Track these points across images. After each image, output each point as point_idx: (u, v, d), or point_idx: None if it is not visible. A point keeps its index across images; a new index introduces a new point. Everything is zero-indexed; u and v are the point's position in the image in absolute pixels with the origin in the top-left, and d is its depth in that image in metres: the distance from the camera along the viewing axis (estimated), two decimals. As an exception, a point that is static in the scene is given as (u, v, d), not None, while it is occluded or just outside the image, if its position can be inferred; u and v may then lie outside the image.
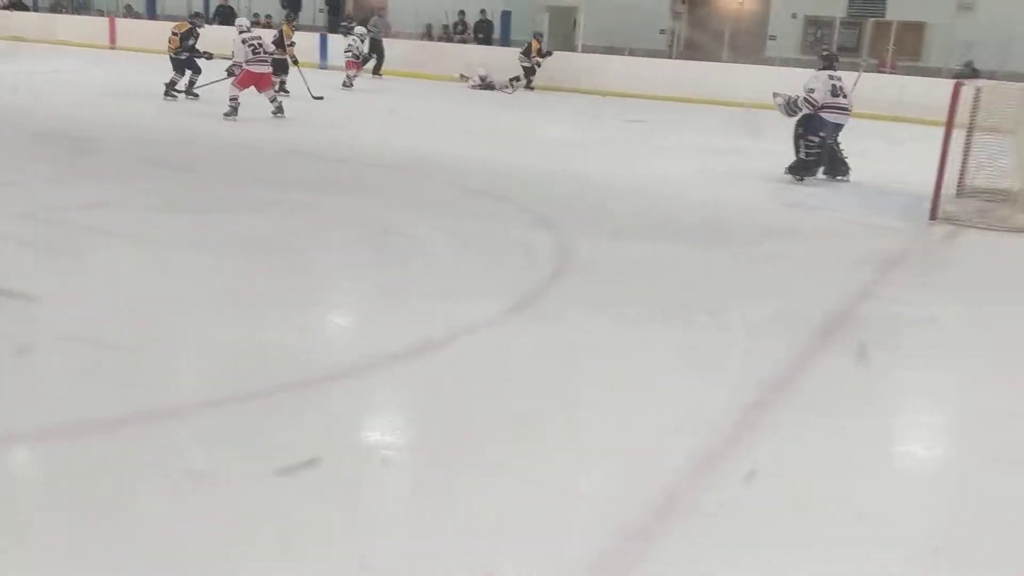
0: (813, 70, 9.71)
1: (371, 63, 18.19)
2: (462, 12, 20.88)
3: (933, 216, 7.44)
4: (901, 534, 2.78)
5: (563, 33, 19.58)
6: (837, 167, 9.11)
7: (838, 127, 8.87)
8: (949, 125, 7.55)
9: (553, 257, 5.89)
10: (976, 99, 7.75)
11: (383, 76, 18.31)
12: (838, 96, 8.76)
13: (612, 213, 7.44)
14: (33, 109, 11.35)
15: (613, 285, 5.36)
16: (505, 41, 20.50)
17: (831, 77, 8.84)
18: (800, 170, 8.94)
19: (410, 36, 20.90)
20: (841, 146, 9.15)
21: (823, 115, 8.75)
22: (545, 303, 4.94)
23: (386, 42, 18.75)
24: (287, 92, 13.37)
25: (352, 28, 17.61)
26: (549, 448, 3.25)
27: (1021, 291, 5.95)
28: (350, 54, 16.62)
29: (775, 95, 9.09)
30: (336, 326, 4.76)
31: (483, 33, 20.55)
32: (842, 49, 17.86)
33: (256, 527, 2.62)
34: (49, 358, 3.87)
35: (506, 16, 21.06)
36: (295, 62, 13.70)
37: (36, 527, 2.60)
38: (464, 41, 20.27)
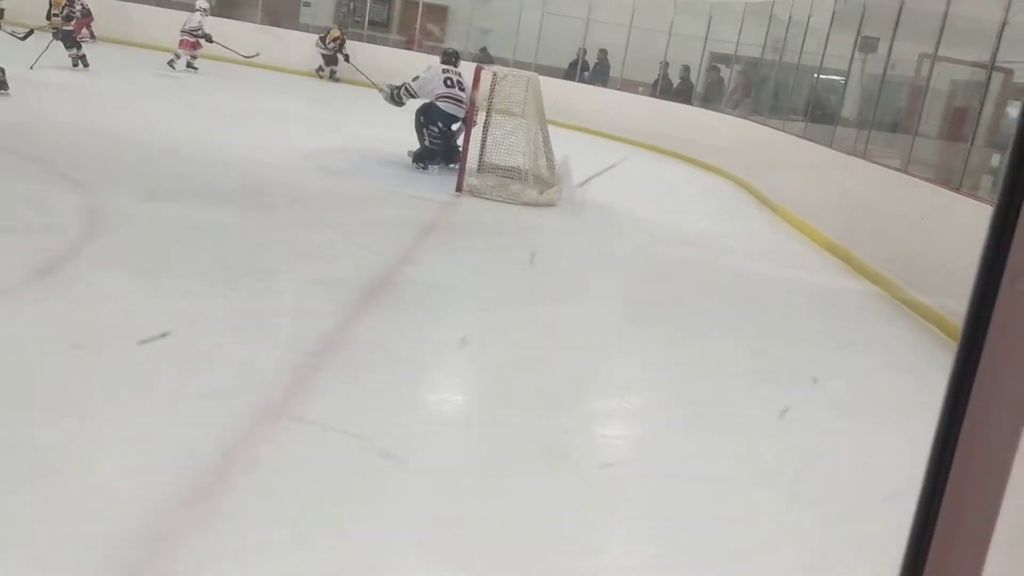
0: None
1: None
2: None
3: (459, 189, 8.14)
4: (425, 468, 3.10)
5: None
6: (452, 155, 9.09)
7: (452, 117, 8.95)
8: (471, 105, 8.29)
9: (81, 219, 5.47)
10: (493, 83, 8.60)
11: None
12: (453, 88, 8.90)
13: (150, 174, 7.08)
14: None
15: (152, 250, 5.14)
16: None
17: (445, 71, 8.99)
18: (424, 158, 9.03)
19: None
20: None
21: (440, 105, 8.87)
22: (74, 267, 4.59)
23: None
24: None
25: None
26: (89, 426, 3.08)
27: (519, 255, 6.78)
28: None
29: (380, 88, 9.31)
30: None
31: None
32: (373, 24, 18.62)
33: None
34: None
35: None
36: None
37: None
38: None
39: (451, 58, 9.34)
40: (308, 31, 17.74)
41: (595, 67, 16.85)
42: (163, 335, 3.70)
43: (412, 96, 9.00)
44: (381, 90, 9.29)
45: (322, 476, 2.91)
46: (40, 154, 6.91)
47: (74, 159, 7.00)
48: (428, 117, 8.99)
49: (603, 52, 16.69)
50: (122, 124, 8.97)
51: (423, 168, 9.03)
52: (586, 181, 8.48)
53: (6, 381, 3.24)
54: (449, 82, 8.99)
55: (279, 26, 17.12)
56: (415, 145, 9.09)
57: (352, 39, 17.21)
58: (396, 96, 9.12)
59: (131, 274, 4.64)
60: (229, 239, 5.67)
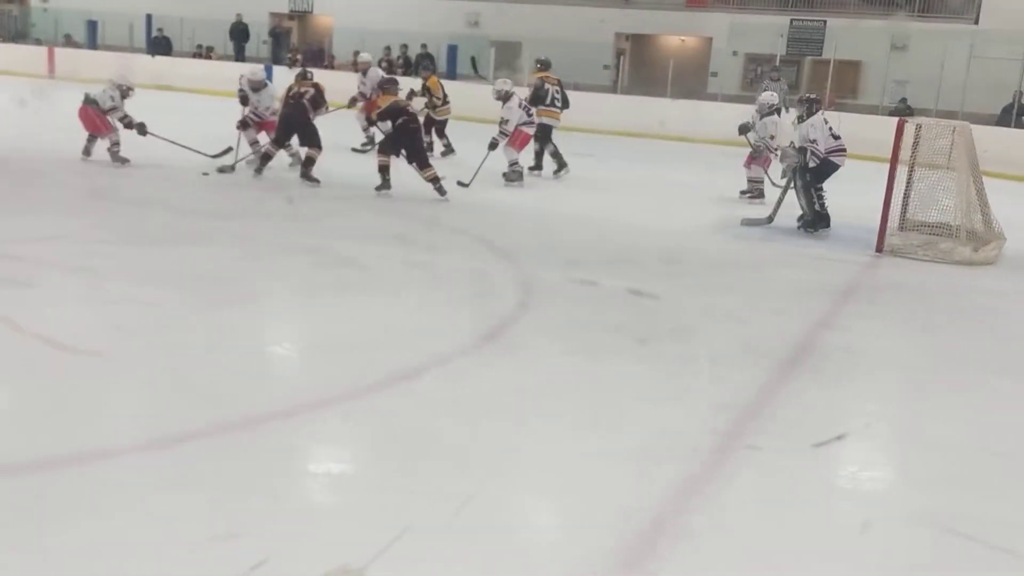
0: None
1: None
2: (405, 46, 20.97)
3: (879, 249, 7.66)
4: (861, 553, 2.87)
5: (508, 67, 19.80)
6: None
7: (837, 168, 8.40)
8: (894, 160, 7.80)
9: (515, 288, 5.96)
10: (916, 135, 8.03)
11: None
12: (839, 138, 8.40)
13: (569, 243, 7.53)
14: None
15: (574, 315, 5.44)
16: (452, 75, 20.63)
17: (826, 121, 8.41)
18: (818, 223, 8.40)
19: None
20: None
21: (833, 159, 8.32)
22: (511, 333, 4.99)
23: (326, 75, 15.18)
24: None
25: (294, 60, 16.91)
26: (529, 479, 3.28)
27: (965, 319, 6.16)
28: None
29: (783, 156, 8.68)
30: (296, 359, 4.73)
31: (426, 67, 20.61)
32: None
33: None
34: None
35: (452, 50, 21.21)
36: None
37: None
38: (407, 75, 20.31)
39: (817, 105, 8.58)
40: (716, 100, 17.96)
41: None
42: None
43: (818, 158, 8.27)
44: (785, 160, 8.63)
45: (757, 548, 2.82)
46: (474, 229, 7.65)
47: (504, 233, 7.64)
48: (819, 176, 8.35)
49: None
50: (532, 199, 9.63)
51: (812, 232, 8.37)
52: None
53: (464, 435, 3.57)
54: (833, 132, 8.37)
55: (690, 98, 17.46)
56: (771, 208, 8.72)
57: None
58: (794, 163, 8.39)
59: (560, 339, 4.94)
60: (645, 305, 5.83)
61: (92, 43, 23.82)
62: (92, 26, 23.84)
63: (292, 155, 9.99)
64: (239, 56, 21.65)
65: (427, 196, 8.80)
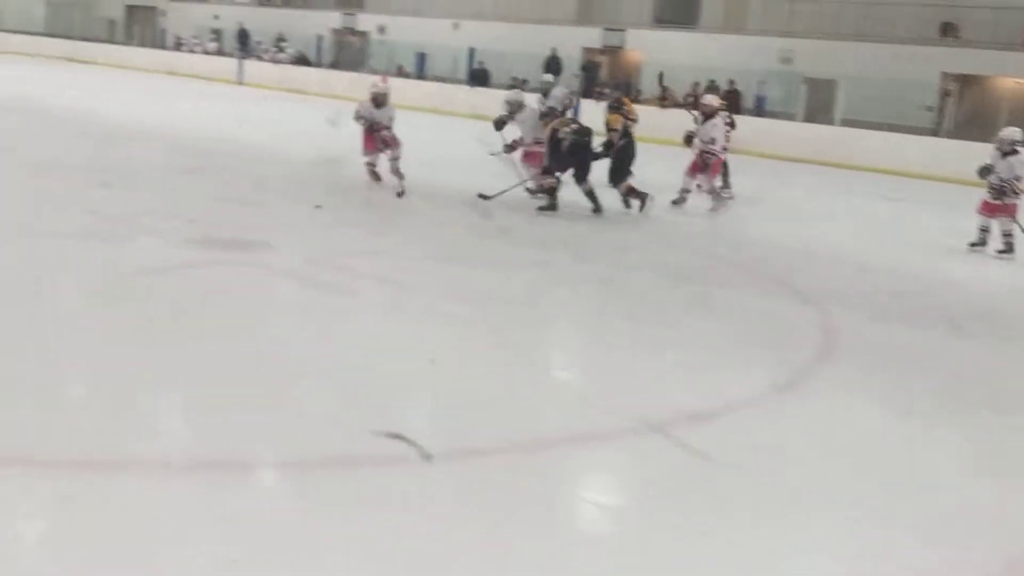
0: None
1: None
2: (713, 81, 20.80)
3: None
4: None
5: (821, 105, 19.06)
6: None
7: None
8: None
9: (815, 336, 5.67)
10: None
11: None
12: None
13: (873, 292, 7.07)
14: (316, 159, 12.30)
15: (883, 372, 5.08)
16: (760, 112, 20.18)
17: None
18: None
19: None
20: None
21: None
22: (810, 385, 4.75)
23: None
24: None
25: (602, 94, 17.19)
26: (822, 541, 3.09)
27: None
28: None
29: None
30: (582, 387, 4.77)
31: (731, 103, 20.31)
32: None
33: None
34: (304, 391, 4.14)
35: (762, 87, 20.77)
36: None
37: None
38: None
39: None
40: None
41: None
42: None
43: None
44: None
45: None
46: (767, 266, 7.39)
47: (802, 274, 7.31)
48: None
49: None
50: (836, 236, 9.12)
51: None
52: None
53: (745, 484, 3.44)
54: None
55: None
56: None
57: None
58: None
59: (865, 394, 4.63)
60: (956, 363, 5.36)
61: (420, 73, 25.80)
62: (421, 58, 25.86)
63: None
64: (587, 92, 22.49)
65: (715, 231, 8.65)
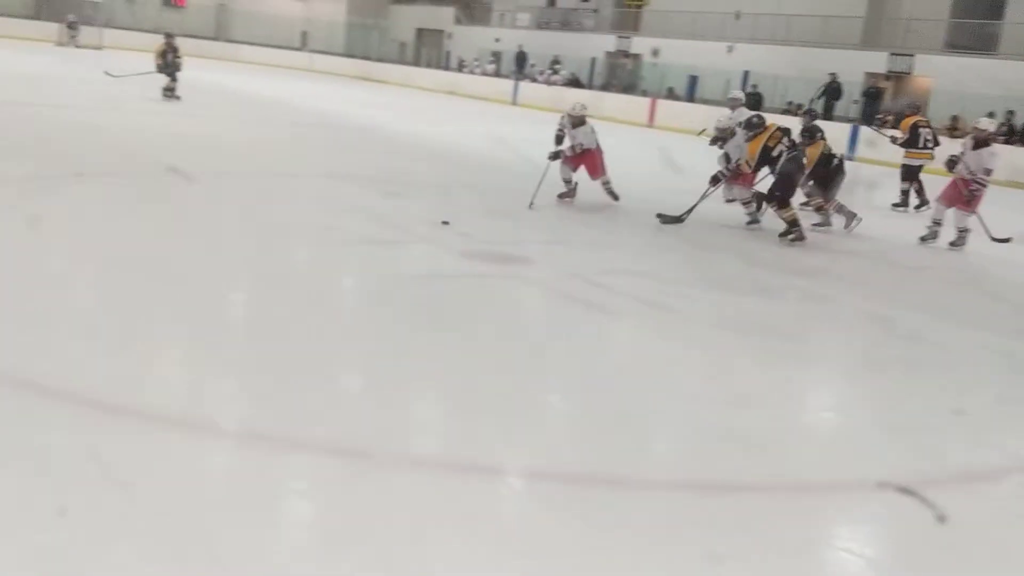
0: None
1: None
2: (1011, 112, 19.07)
3: None
4: None
5: None
6: None
7: None
8: None
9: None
10: None
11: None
12: None
13: None
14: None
15: None
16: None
17: None
18: None
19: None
20: None
21: None
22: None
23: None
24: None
25: (884, 121, 16.34)
26: None
27: None
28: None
29: None
30: (850, 431, 4.49)
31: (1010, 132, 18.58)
32: None
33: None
34: (557, 404, 4.16)
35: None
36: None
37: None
38: (1009, 142, 18.43)
39: None
40: None
41: None
42: None
43: None
44: None
45: None
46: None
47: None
48: None
49: None
50: None
51: None
52: None
53: None
54: None
55: None
56: None
57: None
58: None
59: None
60: None
61: (690, 96, 25.64)
62: (693, 80, 25.67)
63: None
64: (828, 114, 21.57)
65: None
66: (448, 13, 37.62)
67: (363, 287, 6.08)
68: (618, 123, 23.92)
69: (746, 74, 23.77)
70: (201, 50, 33.20)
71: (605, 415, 4.02)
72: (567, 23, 33.78)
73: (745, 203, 9.39)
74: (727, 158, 9.34)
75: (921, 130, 11.77)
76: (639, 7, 31.55)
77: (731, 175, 9.23)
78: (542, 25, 34.38)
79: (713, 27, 27.68)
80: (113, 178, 8.66)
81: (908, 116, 12.21)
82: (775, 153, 8.77)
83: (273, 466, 3.25)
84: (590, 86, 28.66)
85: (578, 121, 9.78)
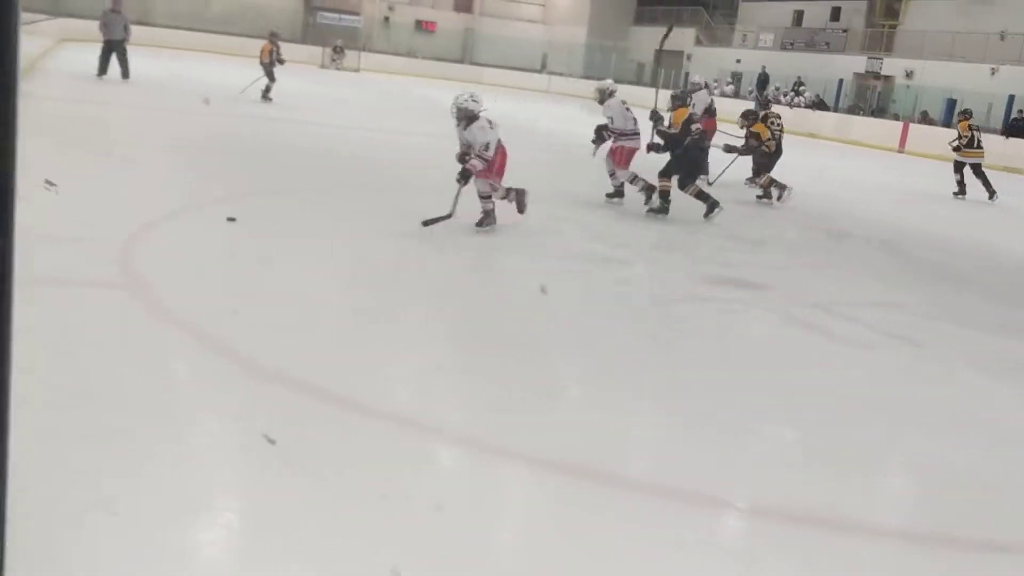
0: None
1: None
2: None
3: None
4: None
5: None
6: None
7: None
8: None
9: None
10: None
11: None
12: None
13: None
14: (831, 206, 12.05)
15: None
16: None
17: None
18: None
19: None
20: None
21: None
22: None
23: None
24: None
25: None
26: None
27: None
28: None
29: None
30: None
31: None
32: None
33: None
34: (793, 439, 4.01)
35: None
36: None
37: None
38: None
39: None
40: None
41: None
42: None
43: None
44: None
45: None
46: None
47: None
48: None
49: None
50: None
51: None
52: None
53: None
54: None
55: None
56: None
57: None
58: None
59: None
60: None
61: (947, 121, 24.06)
62: (950, 104, 24.07)
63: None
64: None
65: None
66: (689, 34, 37.37)
67: (593, 308, 5.96)
68: (866, 147, 22.88)
69: (1011, 99, 22.04)
70: (447, 72, 34.84)
71: (844, 451, 3.86)
72: (813, 43, 32.69)
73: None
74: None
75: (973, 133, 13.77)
76: (893, 27, 30.02)
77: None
78: (786, 46, 33.45)
79: (975, 48, 25.85)
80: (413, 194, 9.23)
81: None
82: None
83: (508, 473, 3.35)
84: (836, 108, 27.56)
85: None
